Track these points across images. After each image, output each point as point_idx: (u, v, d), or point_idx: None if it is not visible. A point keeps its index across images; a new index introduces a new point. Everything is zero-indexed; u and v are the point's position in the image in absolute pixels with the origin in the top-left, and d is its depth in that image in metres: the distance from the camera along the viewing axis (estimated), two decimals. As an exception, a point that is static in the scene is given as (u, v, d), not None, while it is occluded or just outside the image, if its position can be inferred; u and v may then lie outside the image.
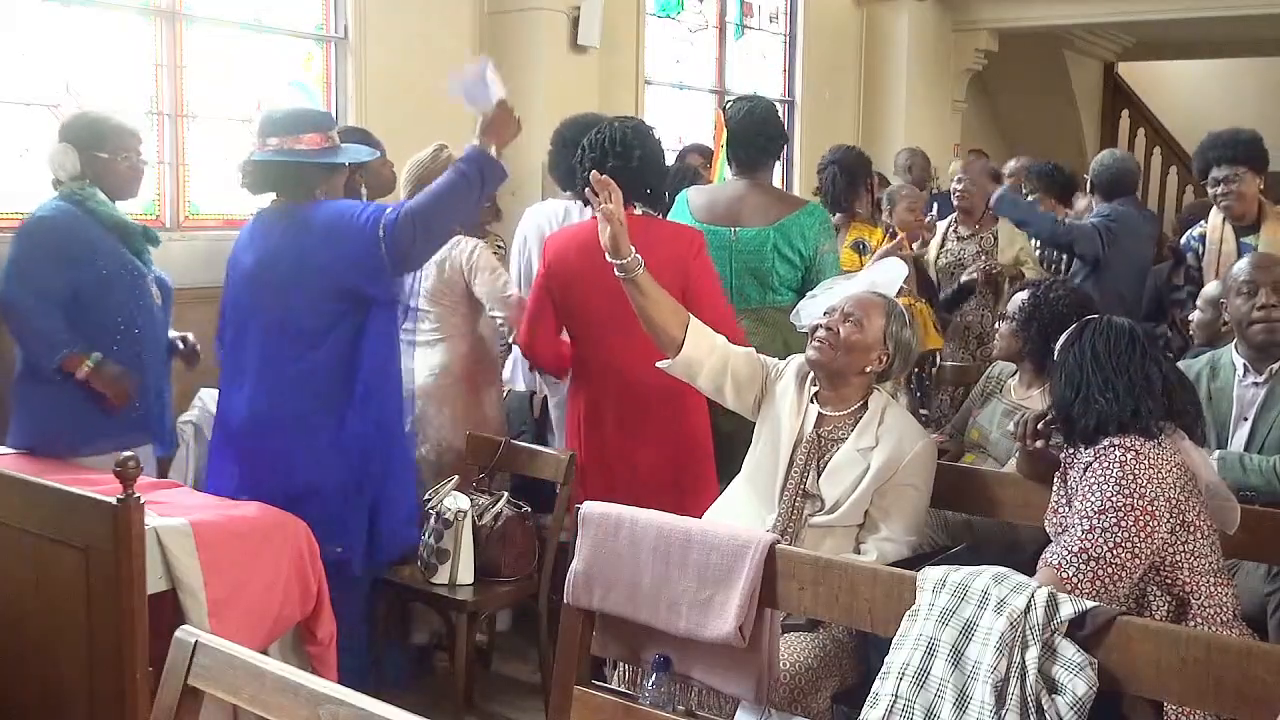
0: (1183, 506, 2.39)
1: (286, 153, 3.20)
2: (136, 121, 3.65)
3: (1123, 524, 2.31)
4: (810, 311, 3.06)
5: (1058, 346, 2.67)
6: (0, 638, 2.79)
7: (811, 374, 2.97)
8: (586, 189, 2.97)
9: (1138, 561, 2.32)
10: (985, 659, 2.00)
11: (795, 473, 2.86)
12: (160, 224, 4.71)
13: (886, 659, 2.13)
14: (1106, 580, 2.29)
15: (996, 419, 3.47)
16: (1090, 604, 2.02)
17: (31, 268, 3.28)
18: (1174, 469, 2.40)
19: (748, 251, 3.84)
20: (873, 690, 2.12)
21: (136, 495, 2.51)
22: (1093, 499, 2.36)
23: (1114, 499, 2.33)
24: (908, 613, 2.13)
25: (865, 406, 2.91)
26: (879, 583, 2.22)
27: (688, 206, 3.94)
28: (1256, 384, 3.17)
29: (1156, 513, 2.33)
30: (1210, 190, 4.50)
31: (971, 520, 3.24)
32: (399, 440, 3.39)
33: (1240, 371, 3.21)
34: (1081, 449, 2.51)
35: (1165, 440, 2.45)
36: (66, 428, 3.28)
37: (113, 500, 2.50)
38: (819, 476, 2.84)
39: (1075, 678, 1.95)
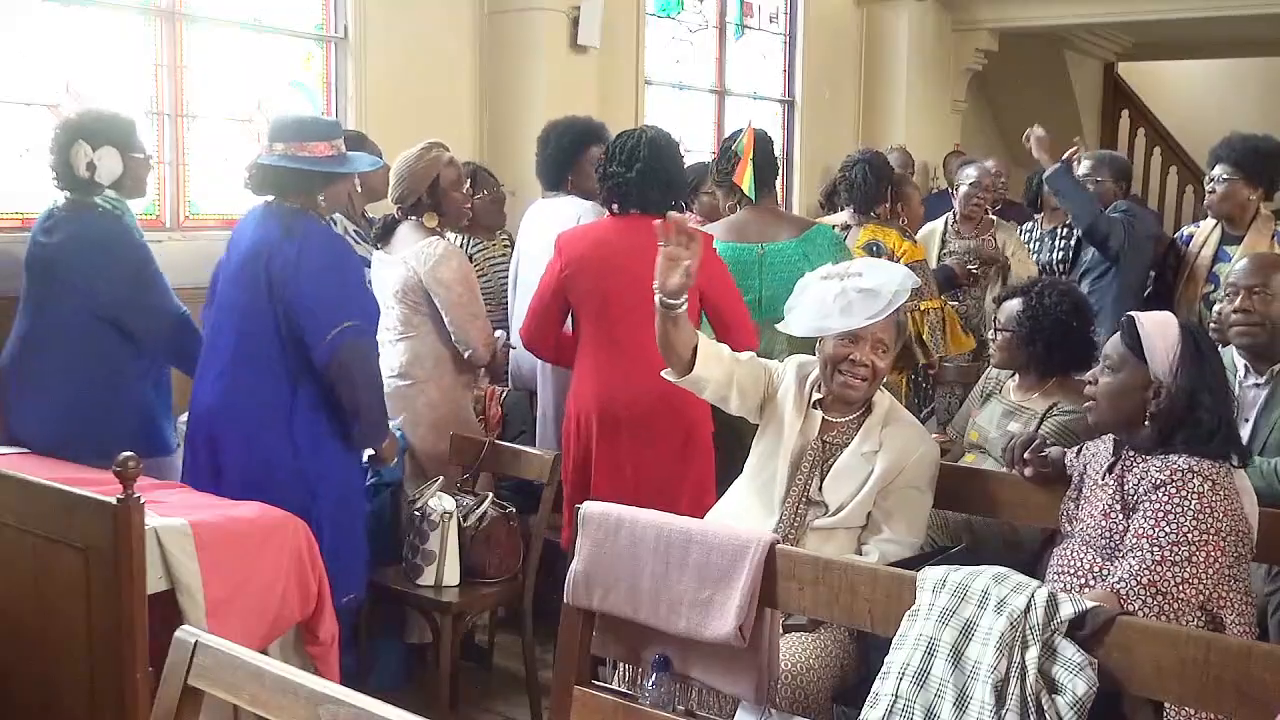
0: (1243, 539, 2.40)
1: (290, 158, 3.21)
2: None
3: (1194, 559, 2.31)
4: (806, 322, 2.90)
5: (1165, 347, 2.53)
6: (0, 638, 2.79)
7: (813, 377, 2.96)
8: (658, 224, 2.74)
9: (1201, 598, 2.33)
10: (985, 659, 2.00)
11: (799, 479, 2.84)
12: (160, 224, 4.71)
13: (886, 659, 2.12)
14: (1170, 614, 2.30)
15: (996, 419, 3.46)
16: (1090, 604, 2.02)
17: (158, 283, 3.45)
18: (1237, 496, 2.41)
19: (779, 263, 3.85)
20: (873, 690, 2.12)
21: (136, 495, 2.51)
22: (1166, 528, 2.34)
23: (1190, 534, 2.32)
24: (908, 613, 2.13)
25: (869, 410, 2.90)
26: (879, 583, 2.22)
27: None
28: (1258, 385, 3.17)
29: (1225, 547, 2.33)
30: (1205, 186, 4.52)
31: (971, 520, 3.24)
32: (352, 461, 3.40)
33: (1241, 373, 3.21)
34: (1148, 456, 2.49)
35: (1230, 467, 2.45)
36: (95, 434, 3.31)
37: (113, 500, 2.50)
38: (822, 481, 2.83)
39: (1075, 678, 1.95)
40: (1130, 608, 2.28)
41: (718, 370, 2.94)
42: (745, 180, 4.00)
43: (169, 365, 3.58)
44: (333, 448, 3.27)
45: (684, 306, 2.80)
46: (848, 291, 2.83)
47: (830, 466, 2.84)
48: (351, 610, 3.36)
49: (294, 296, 3.15)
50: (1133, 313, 2.65)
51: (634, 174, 3.54)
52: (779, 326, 3.01)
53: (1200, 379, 2.51)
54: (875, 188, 4.74)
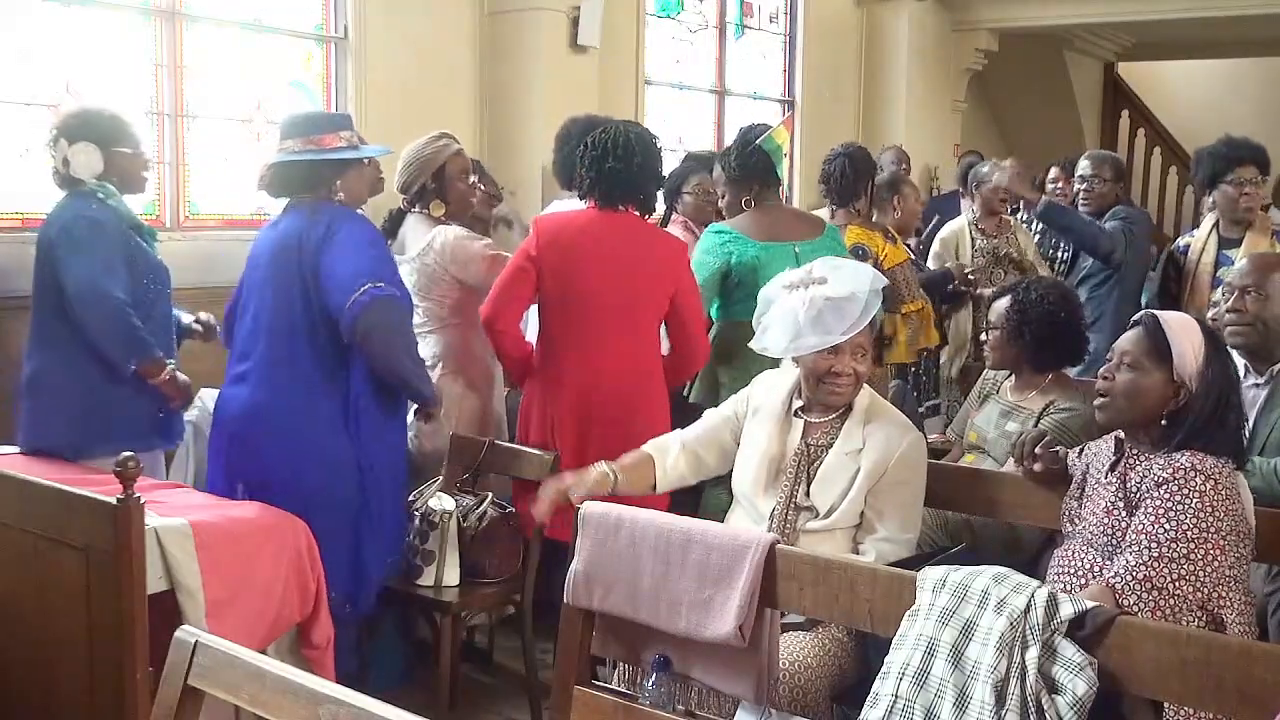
0: (1244, 539, 2.39)
1: (301, 153, 3.24)
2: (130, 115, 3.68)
3: (1192, 557, 2.31)
4: (780, 341, 2.83)
5: (1193, 349, 2.52)
6: (0, 638, 2.79)
7: (789, 386, 2.92)
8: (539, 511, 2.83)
9: (1199, 596, 2.33)
10: (985, 659, 2.00)
11: (785, 485, 2.82)
12: (160, 224, 4.71)
13: (886, 659, 2.12)
14: (1166, 610, 2.29)
15: (994, 420, 3.47)
16: (1091, 604, 2.02)
17: (111, 264, 3.29)
18: (1239, 496, 2.41)
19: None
20: (873, 690, 2.12)
21: (136, 495, 2.51)
22: (1166, 524, 2.34)
23: (1189, 531, 2.32)
24: (908, 613, 2.13)
25: (849, 408, 2.86)
26: (879, 583, 2.22)
27: (734, 233, 3.90)
28: (1257, 385, 3.17)
29: (1226, 546, 2.33)
30: (1232, 190, 4.44)
31: (971, 520, 3.24)
32: (399, 454, 3.42)
33: (1241, 372, 3.20)
34: (1152, 455, 2.49)
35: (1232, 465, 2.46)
36: (109, 427, 3.31)
37: (113, 500, 2.50)
38: (809, 486, 2.81)
39: (1075, 678, 1.95)
40: (1125, 602, 2.28)
41: (681, 466, 2.97)
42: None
43: (94, 343, 3.32)
44: (378, 432, 3.30)
45: (612, 483, 2.81)
46: (815, 301, 2.78)
47: (816, 470, 2.82)
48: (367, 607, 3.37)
49: (320, 267, 3.15)
50: (1154, 311, 2.64)
51: (635, 169, 3.55)
52: (752, 345, 2.93)
53: (1228, 380, 2.52)
54: (853, 182, 4.72)
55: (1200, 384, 2.50)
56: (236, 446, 3.29)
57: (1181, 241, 4.74)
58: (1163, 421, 2.53)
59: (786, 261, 3.76)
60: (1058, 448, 2.84)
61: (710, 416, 3.04)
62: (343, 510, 3.23)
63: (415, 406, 3.50)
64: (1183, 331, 2.54)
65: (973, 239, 5.67)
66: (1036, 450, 2.83)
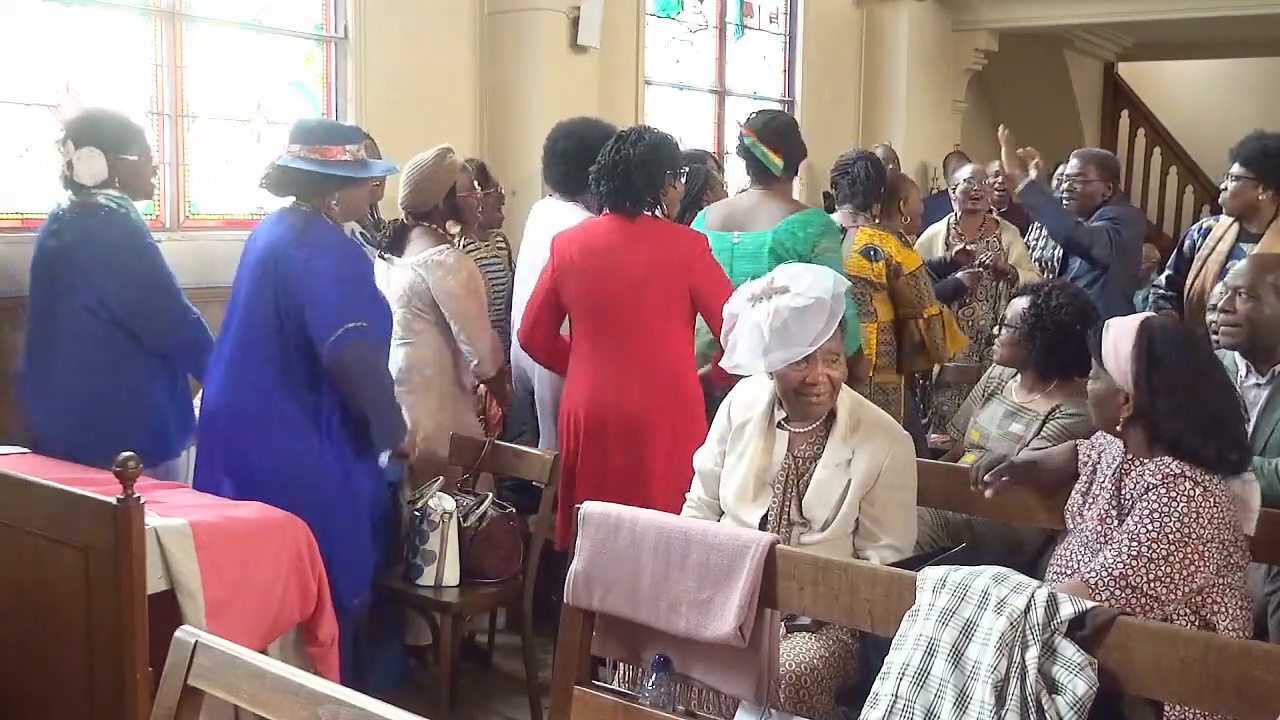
0: (1230, 548, 2.39)
1: (306, 160, 3.22)
2: (140, 120, 3.69)
3: (1170, 559, 2.31)
4: (749, 360, 2.76)
5: (1124, 354, 2.51)
6: (0, 637, 2.79)
7: (768, 400, 2.88)
8: None
9: (1174, 597, 2.33)
10: (985, 659, 2.00)
11: (775, 502, 2.80)
12: (160, 224, 4.71)
13: (886, 659, 2.13)
14: (1138, 608, 2.30)
15: (998, 420, 3.46)
16: (1090, 604, 2.02)
17: (165, 286, 3.45)
18: (1230, 506, 2.40)
19: (746, 255, 3.83)
20: (873, 690, 2.12)
21: (136, 495, 2.50)
22: (1149, 525, 2.35)
23: (1171, 534, 2.32)
24: (908, 613, 2.13)
25: (833, 416, 2.81)
26: (879, 583, 2.22)
27: (701, 219, 3.98)
28: (1259, 385, 3.16)
29: (1206, 554, 2.33)
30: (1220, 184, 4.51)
31: (971, 520, 3.24)
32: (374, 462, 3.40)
33: (1243, 373, 3.20)
34: (1142, 460, 2.50)
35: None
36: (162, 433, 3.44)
37: (113, 500, 2.49)
38: (801, 500, 2.78)
39: (1075, 678, 1.95)
40: (1098, 598, 2.28)
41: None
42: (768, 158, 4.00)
43: (182, 368, 3.56)
44: (336, 447, 3.26)
45: None
46: (780, 312, 2.70)
47: (806, 484, 2.78)
48: (354, 611, 3.36)
49: (304, 300, 3.16)
50: (1109, 320, 2.63)
51: (622, 168, 3.51)
52: (722, 364, 2.85)
53: (1175, 378, 2.47)
54: (877, 185, 4.74)
55: (1139, 390, 2.48)
56: (209, 442, 3.32)
57: (1204, 223, 4.70)
58: (1118, 427, 2.54)
59: (723, 250, 3.76)
60: (1008, 477, 2.82)
61: (702, 462, 2.99)
62: (326, 506, 3.18)
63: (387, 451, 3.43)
64: (1112, 342, 2.54)
65: (947, 242, 5.63)
66: (986, 478, 2.82)
